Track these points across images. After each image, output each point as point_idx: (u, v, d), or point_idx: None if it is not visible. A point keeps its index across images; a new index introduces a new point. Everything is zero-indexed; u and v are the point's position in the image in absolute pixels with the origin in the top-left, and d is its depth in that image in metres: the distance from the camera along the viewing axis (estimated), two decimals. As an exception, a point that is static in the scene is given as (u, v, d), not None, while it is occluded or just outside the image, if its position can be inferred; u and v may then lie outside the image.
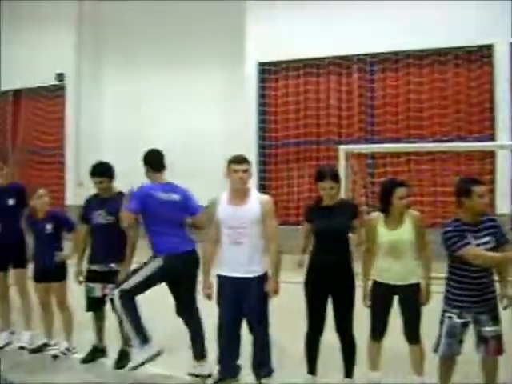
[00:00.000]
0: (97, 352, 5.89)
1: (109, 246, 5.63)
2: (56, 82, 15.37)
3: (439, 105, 12.11)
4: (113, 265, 5.63)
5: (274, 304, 5.09)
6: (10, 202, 6.21)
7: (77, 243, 5.97)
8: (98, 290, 5.70)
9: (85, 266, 5.87)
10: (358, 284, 4.92)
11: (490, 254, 4.38)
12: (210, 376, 5.24)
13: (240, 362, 5.22)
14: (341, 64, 12.89)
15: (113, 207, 5.56)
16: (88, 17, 15.30)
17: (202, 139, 14.04)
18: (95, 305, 5.78)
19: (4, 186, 6.30)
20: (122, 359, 5.67)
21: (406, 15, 11.76)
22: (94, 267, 5.73)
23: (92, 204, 5.82)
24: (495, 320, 4.51)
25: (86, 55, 15.43)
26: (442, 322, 4.59)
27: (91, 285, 5.73)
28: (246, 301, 4.97)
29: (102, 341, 5.95)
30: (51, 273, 5.93)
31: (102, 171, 5.76)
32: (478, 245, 4.42)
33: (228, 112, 14.02)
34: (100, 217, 5.71)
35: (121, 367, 5.60)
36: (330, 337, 4.98)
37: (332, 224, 4.82)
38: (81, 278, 5.84)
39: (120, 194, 5.70)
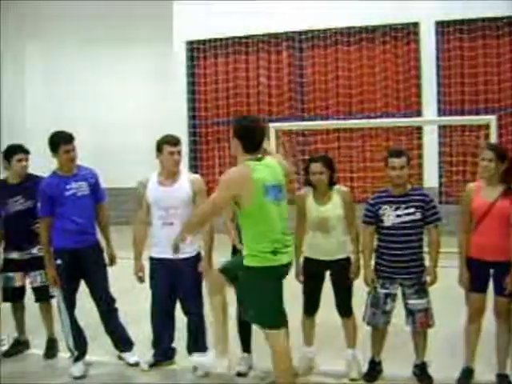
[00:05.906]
0: (19, 345, 5.64)
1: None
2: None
3: (368, 81, 12.26)
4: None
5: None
6: None
7: None
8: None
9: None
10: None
11: None
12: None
13: (175, 344, 5.19)
14: (269, 42, 12.84)
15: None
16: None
17: (130, 119, 13.79)
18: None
19: None
20: (52, 348, 5.52)
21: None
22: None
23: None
24: (422, 293, 4.57)
25: (7, 37, 14.75)
26: (368, 293, 4.69)
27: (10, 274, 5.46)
28: (179, 282, 4.91)
29: (24, 333, 5.69)
30: None
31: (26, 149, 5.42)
32: (399, 215, 4.49)
33: (157, 92, 13.78)
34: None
35: (51, 356, 5.45)
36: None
37: None
38: None
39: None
